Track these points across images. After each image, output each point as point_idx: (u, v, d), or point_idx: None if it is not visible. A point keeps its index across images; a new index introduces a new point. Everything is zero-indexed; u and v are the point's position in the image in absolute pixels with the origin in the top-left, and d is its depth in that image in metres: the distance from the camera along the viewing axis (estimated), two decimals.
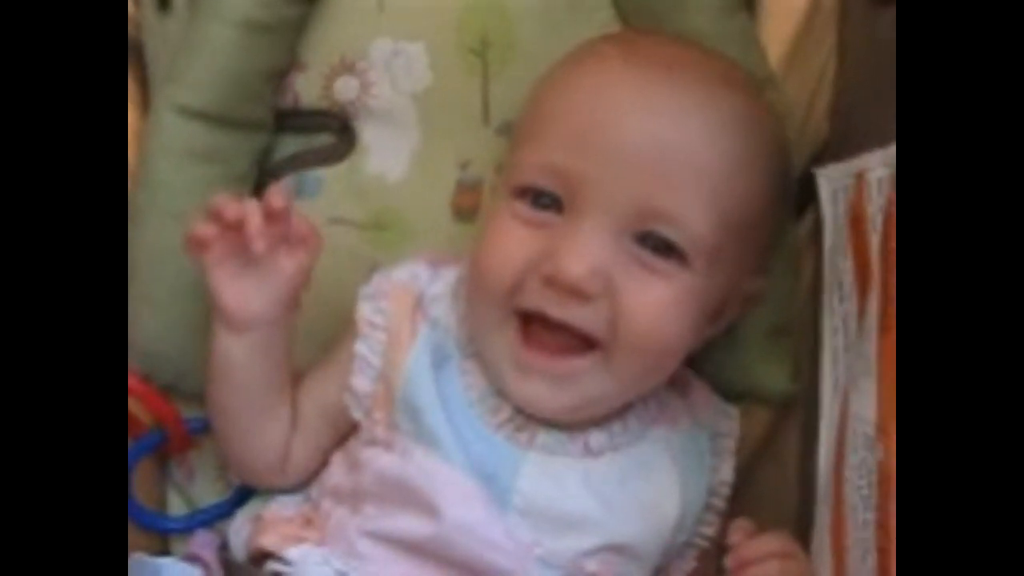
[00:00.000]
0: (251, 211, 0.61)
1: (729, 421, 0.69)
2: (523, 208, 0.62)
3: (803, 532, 0.63)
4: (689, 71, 0.63)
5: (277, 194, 0.62)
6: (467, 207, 0.74)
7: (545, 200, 0.62)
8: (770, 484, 0.68)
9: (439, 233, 0.74)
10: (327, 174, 0.75)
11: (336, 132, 0.75)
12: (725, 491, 0.68)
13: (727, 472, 0.68)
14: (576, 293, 0.60)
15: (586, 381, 0.62)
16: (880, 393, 0.52)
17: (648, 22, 0.71)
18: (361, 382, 0.66)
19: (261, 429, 0.67)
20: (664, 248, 0.61)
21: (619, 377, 0.62)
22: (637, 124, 0.60)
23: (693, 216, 0.60)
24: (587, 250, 0.60)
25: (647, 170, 0.60)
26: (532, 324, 0.62)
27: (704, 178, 0.61)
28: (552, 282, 0.60)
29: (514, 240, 0.62)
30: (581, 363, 0.61)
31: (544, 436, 0.64)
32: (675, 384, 0.69)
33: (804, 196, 0.69)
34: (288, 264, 0.63)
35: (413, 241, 0.74)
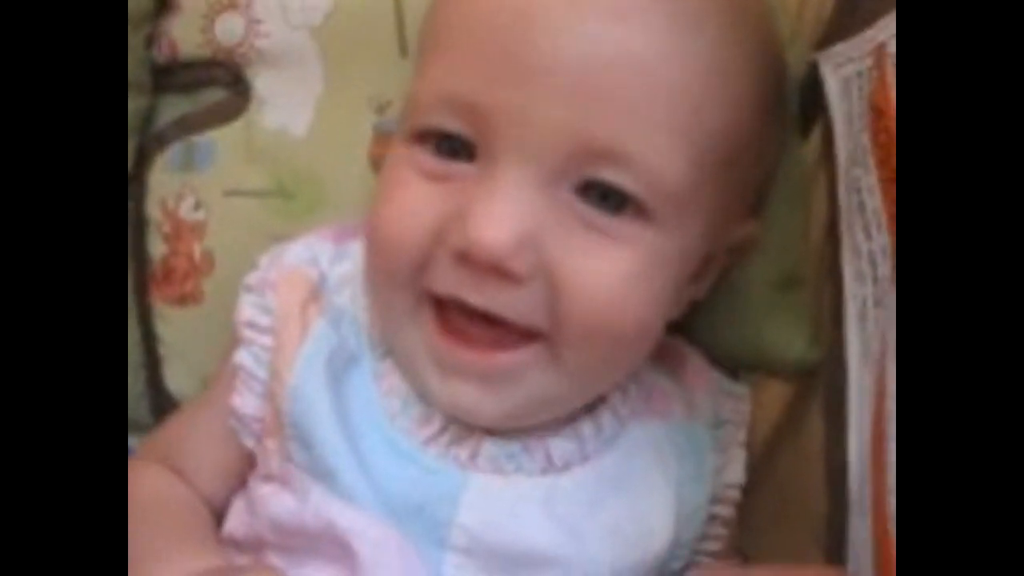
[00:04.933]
0: None
1: (736, 403, 0.51)
2: (424, 157, 0.44)
3: (835, 545, 0.44)
4: None
5: None
6: None
7: (453, 144, 0.44)
8: (793, 481, 0.50)
9: (357, 195, 0.56)
10: (219, 137, 0.58)
11: (226, 85, 0.58)
12: (734, 495, 0.50)
13: (735, 472, 0.50)
14: (498, 272, 0.42)
15: (529, 379, 0.44)
16: None
17: None
18: (245, 401, 0.48)
19: None
20: (616, 200, 0.42)
21: (571, 372, 0.44)
22: (567, 31, 0.42)
23: (653, 152, 0.42)
24: (508, 211, 0.41)
25: (585, 93, 0.41)
26: (451, 310, 0.44)
27: (665, 98, 0.42)
28: (465, 258, 0.42)
29: (414, 200, 0.44)
30: (518, 357, 0.43)
31: (491, 448, 0.46)
32: (662, 360, 0.50)
33: (809, 105, 0.49)
34: None
35: (327, 208, 0.57)
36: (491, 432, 0.46)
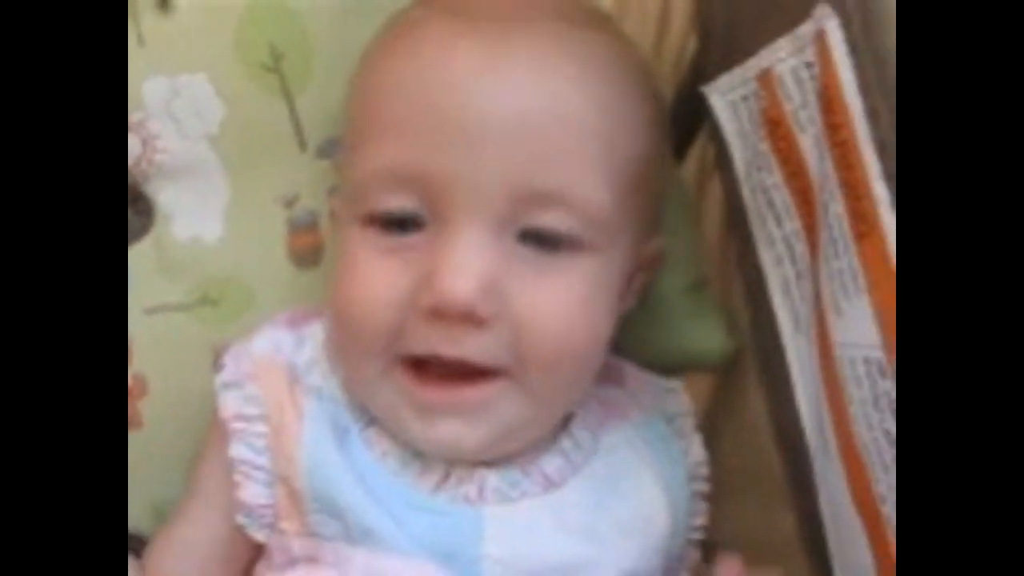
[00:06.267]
0: None
1: (676, 397, 0.57)
2: (377, 237, 0.48)
3: (799, 501, 0.51)
4: (531, 10, 0.49)
5: None
6: (307, 250, 0.59)
7: (400, 221, 0.48)
8: (743, 457, 0.56)
9: (282, 290, 0.58)
10: (129, 256, 0.57)
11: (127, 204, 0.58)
12: (704, 471, 0.56)
13: (698, 451, 0.56)
14: (468, 320, 0.46)
15: (502, 408, 0.48)
16: (880, 306, 0.41)
17: None
18: (253, 492, 0.49)
19: None
20: (552, 241, 0.48)
21: (538, 397, 0.48)
22: (495, 92, 0.46)
23: (582, 189, 0.47)
24: (469, 262, 0.46)
25: (519, 146, 0.46)
26: (423, 364, 0.48)
27: (585, 139, 0.47)
28: (438, 314, 0.46)
29: (376, 277, 0.48)
30: (487, 390, 0.48)
31: (494, 480, 0.50)
32: (606, 376, 0.56)
33: (681, 132, 0.57)
34: None
35: (255, 307, 0.58)
36: (490, 465, 0.50)
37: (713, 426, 0.58)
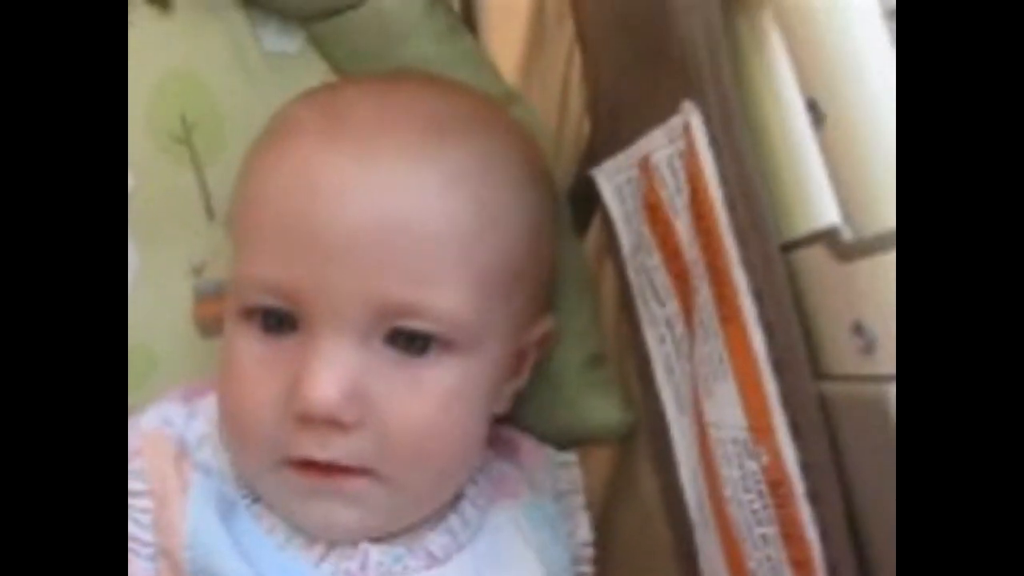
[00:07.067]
0: None
1: (569, 471, 0.58)
2: (254, 333, 0.50)
3: (687, 574, 0.52)
4: (400, 124, 0.50)
5: None
6: (213, 319, 0.59)
7: (277, 317, 0.50)
8: (636, 529, 0.57)
9: (185, 358, 0.59)
10: None
11: None
12: (589, 553, 0.57)
13: (584, 532, 0.57)
14: (333, 425, 0.48)
15: (372, 500, 0.50)
16: (744, 391, 0.42)
17: (367, 65, 0.60)
18: (138, 568, 0.50)
19: None
20: (421, 341, 0.49)
21: (408, 492, 0.50)
22: (348, 208, 0.48)
23: (442, 298, 0.49)
24: (331, 371, 0.48)
25: (373, 260, 0.48)
26: (308, 461, 0.49)
27: (444, 249, 0.49)
28: (304, 419, 0.48)
29: (254, 378, 0.49)
30: (358, 483, 0.49)
31: (377, 555, 0.50)
32: (501, 449, 0.57)
33: (582, 209, 0.59)
34: None
35: (157, 374, 0.59)
36: (375, 541, 0.51)
37: (609, 497, 0.58)
